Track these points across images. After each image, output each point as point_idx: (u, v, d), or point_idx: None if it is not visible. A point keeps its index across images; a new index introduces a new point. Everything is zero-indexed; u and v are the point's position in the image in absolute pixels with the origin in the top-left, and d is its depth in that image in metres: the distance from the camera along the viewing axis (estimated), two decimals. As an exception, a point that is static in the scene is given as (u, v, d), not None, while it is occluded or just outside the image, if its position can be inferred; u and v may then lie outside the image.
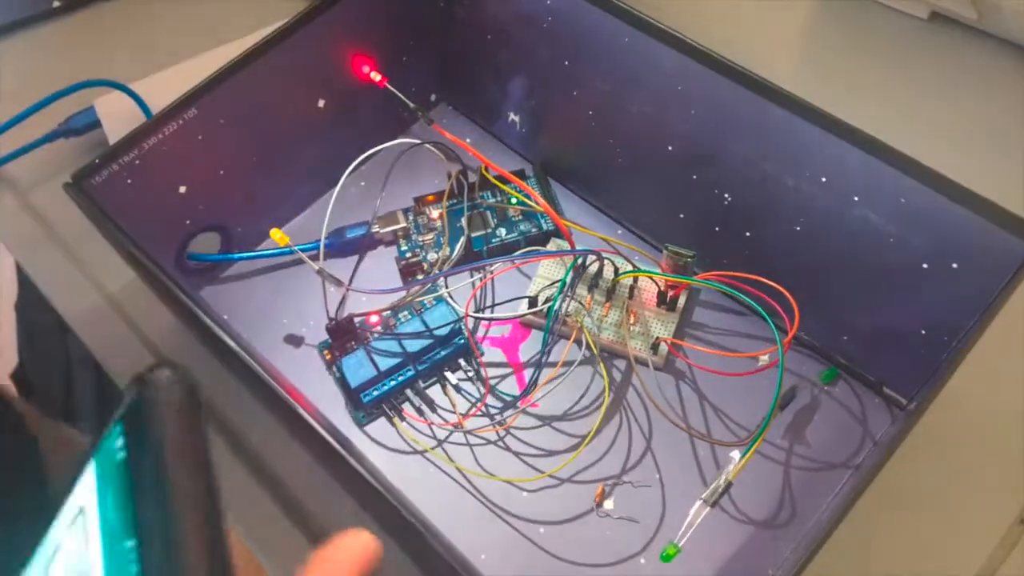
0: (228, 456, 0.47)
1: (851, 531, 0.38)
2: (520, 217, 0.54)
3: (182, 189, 0.48)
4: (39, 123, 0.58)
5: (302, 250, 0.47)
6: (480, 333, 0.50)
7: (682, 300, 0.49)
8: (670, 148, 0.46)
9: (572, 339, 0.46)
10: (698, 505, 0.39)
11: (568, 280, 0.46)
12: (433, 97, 0.59)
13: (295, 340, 0.50)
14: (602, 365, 0.47)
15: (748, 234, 0.46)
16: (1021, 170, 0.52)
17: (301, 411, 0.36)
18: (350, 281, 0.50)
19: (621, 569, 0.42)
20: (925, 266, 0.40)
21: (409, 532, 0.34)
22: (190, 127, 0.45)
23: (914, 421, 0.35)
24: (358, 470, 0.34)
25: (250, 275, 0.53)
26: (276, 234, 0.45)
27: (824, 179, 0.41)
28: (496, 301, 0.52)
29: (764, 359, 0.47)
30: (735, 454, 0.40)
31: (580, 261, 0.46)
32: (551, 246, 0.52)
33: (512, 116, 0.55)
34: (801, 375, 0.47)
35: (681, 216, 0.49)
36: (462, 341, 0.49)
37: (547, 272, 0.51)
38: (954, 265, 0.39)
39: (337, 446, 0.35)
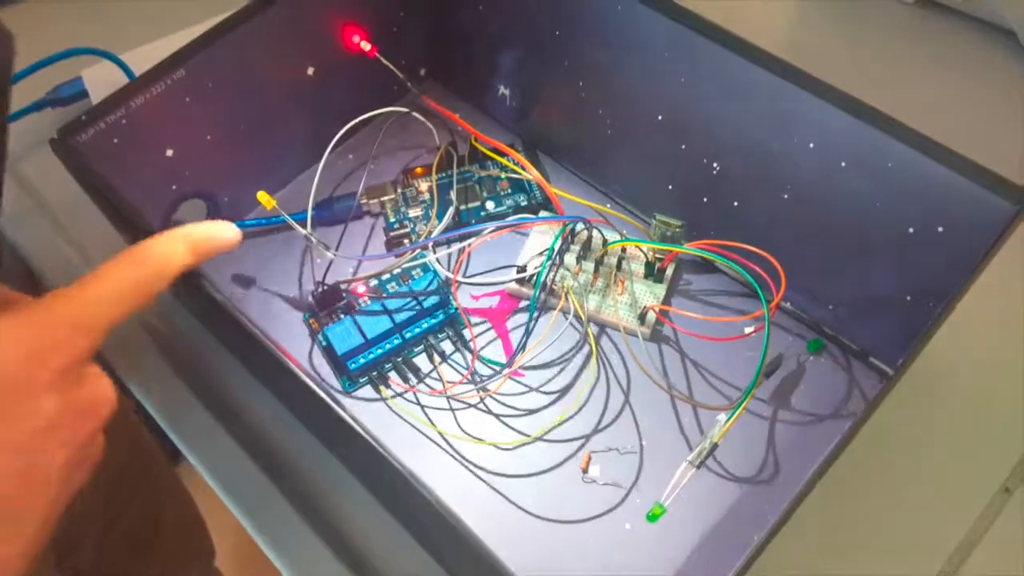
0: (216, 429, 0.47)
1: (833, 495, 0.39)
2: (509, 190, 0.54)
3: (169, 152, 0.47)
4: (24, 92, 0.57)
5: (290, 218, 0.47)
6: (469, 305, 0.50)
7: (670, 271, 0.49)
8: (660, 118, 0.47)
9: (559, 307, 0.46)
10: (684, 466, 0.39)
11: (556, 247, 0.46)
12: (423, 72, 0.59)
13: (280, 309, 0.50)
14: (590, 333, 0.47)
15: (736, 203, 0.46)
16: (1007, 144, 0.53)
17: (291, 366, 0.35)
18: (336, 249, 0.50)
19: (607, 531, 0.42)
20: (911, 231, 0.40)
21: (398, 486, 0.34)
22: (177, 88, 0.45)
23: (896, 379, 0.35)
24: (346, 421, 0.34)
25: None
26: (263, 197, 0.45)
27: (811, 145, 0.42)
28: (485, 270, 0.51)
29: (749, 327, 0.48)
30: (721, 417, 0.40)
31: (569, 228, 0.46)
32: (540, 218, 0.52)
33: (502, 89, 0.55)
34: (787, 345, 0.48)
35: (670, 187, 0.49)
36: (450, 310, 0.49)
37: (536, 242, 0.51)
38: (940, 229, 0.39)
39: (324, 397, 0.34)
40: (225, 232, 0.34)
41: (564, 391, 0.47)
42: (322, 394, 0.36)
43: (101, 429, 0.27)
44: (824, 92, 0.40)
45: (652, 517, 0.37)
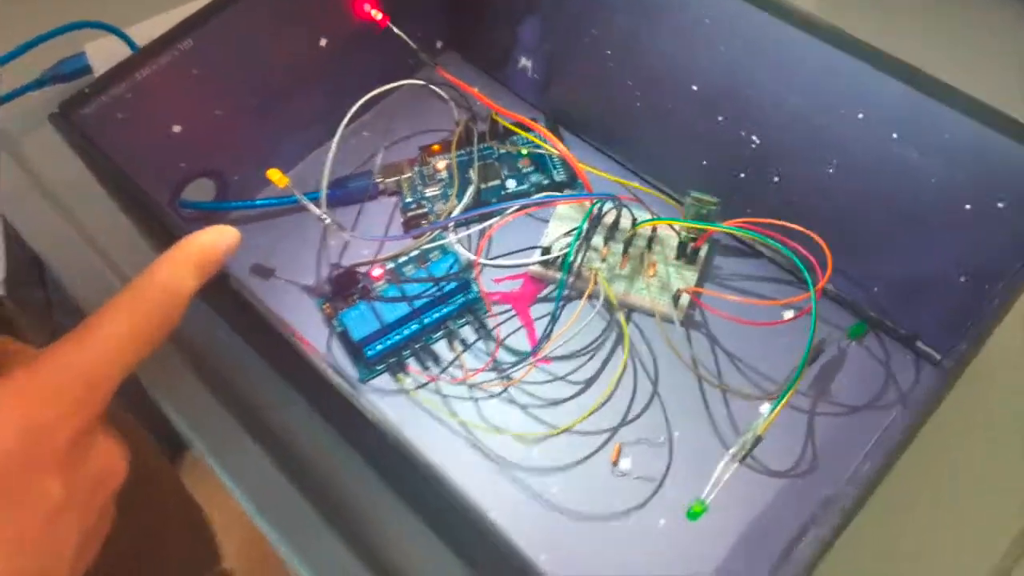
0: (228, 420, 0.44)
1: (883, 495, 0.36)
2: (531, 168, 0.51)
3: (176, 128, 0.45)
4: (25, 67, 0.55)
5: (303, 198, 0.44)
6: (490, 288, 0.48)
7: (703, 252, 0.47)
8: (694, 88, 0.44)
9: (588, 291, 0.44)
10: (726, 460, 0.36)
11: (585, 227, 0.43)
12: (439, 44, 0.57)
13: (293, 294, 0.48)
14: (622, 318, 0.45)
15: (776, 179, 0.44)
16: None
17: (304, 352, 0.33)
18: (351, 230, 0.47)
19: (641, 528, 0.40)
20: (968, 207, 0.38)
21: (420, 482, 0.32)
22: (185, 60, 0.43)
23: (959, 372, 0.33)
24: (365, 414, 0.32)
25: (246, 225, 0.50)
26: (275, 175, 0.42)
27: (861, 115, 0.39)
28: (507, 252, 0.49)
29: (789, 313, 0.45)
30: (764, 408, 0.38)
31: (598, 207, 0.43)
32: (565, 197, 0.49)
33: (523, 61, 0.52)
34: (826, 331, 0.45)
35: (704, 163, 0.46)
36: (471, 294, 0.46)
37: (561, 223, 0.48)
38: (1000, 205, 0.37)
39: (344, 385, 0.32)
40: (226, 239, 0.31)
41: (592, 380, 0.44)
42: (339, 381, 0.33)
43: (112, 499, 0.25)
44: (875, 58, 0.37)
45: (693, 515, 0.35)
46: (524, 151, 0.51)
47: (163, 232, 0.38)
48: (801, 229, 0.40)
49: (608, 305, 0.45)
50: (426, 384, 0.44)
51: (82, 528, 0.24)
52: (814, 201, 0.43)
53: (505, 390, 0.43)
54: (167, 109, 0.44)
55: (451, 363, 0.44)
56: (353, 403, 0.33)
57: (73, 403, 0.23)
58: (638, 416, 0.43)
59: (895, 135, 0.38)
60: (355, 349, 0.45)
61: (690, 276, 0.46)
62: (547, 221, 0.49)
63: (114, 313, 0.26)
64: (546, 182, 0.51)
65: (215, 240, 0.30)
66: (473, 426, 0.43)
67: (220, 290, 0.37)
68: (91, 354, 0.24)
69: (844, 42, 0.38)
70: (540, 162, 0.51)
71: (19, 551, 0.21)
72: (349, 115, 0.46)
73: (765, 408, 0.38)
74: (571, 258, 0.42)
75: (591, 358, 0.45)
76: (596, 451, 0.42)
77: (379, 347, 0.44)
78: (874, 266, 0.43)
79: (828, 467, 0.41)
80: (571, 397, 0.44)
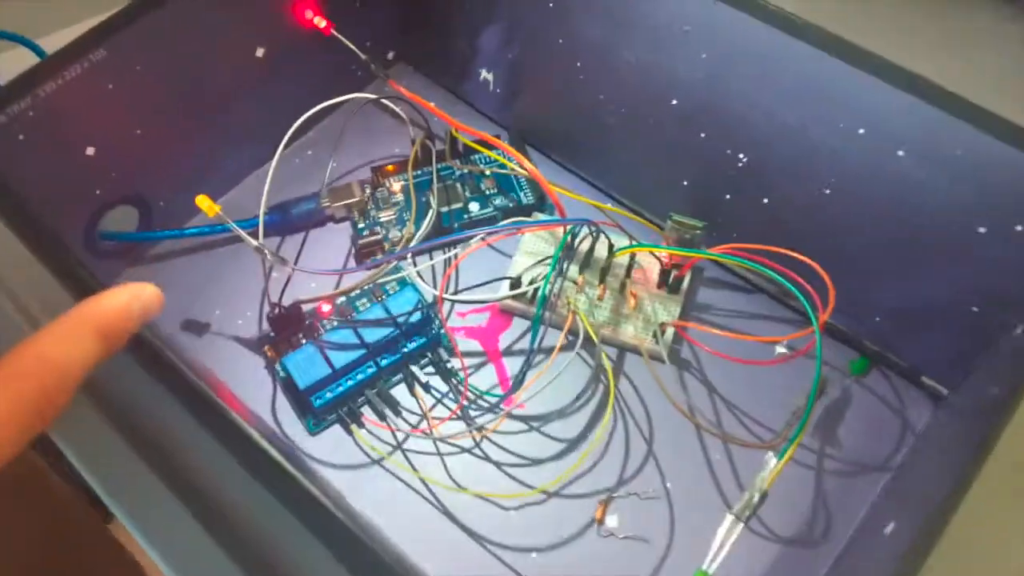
0: (146, 473, 0.39)
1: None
2: (495, 190, 0.47)
3: (90, 151, 0.39)
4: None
5: (238, 227, 0.39)
6: (452, 323, 0.43)
7: (686, 281, 0.43)
8: (674, 102, 0.40)
9: (566, 327, 0.39)
10: (728, 521, 0.32)
11: (560, 256, 0.39)
12: (391, 55, 0.52)
13: (230, 334, 0.42)
14: (604, 357, 0.40)
15: (766, 200, 0.40)
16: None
17: (231, 413, 0.28)
18: (295, 262, 0.42)
19: (632, 600, 0.35)
20: (982, 230, 0.34)
21: (373, 564, 0.27)
22: (98, 72, 0.37)
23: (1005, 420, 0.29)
24: (307, 488, 0.27)
25: (175, 257, 0.45)
26: (204, 202, 0.36)
27: (862, 130, 0.35)
28: (471, 284, 0.44)
29: (782, 348, 0.41)
30: (768, 458, 0.33)
31: (576, 231, 0.39)
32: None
33: (484, 74, 0.48)
34: (828, 365, 0.41)
35: (684, 183, 0.42)
36: (433, 331, 0.41)
37: (530, 249, 0.44)
38: (1018, 227, 0.33)
39: (276, 455, 0.27)
40: (144, 299, 0.26)
41: (567, 426, 0.39)
42: (268, 447, 0.28)
43: None
44: (877, 67, 0.34)
45: (694, 587, 0.31)
46: (487, 171, 0.47)
47: (71, 272, 0.32)
48: (800, 256, 0.36)
49: (587, 342, 0.40)
50: (385, 437, 0.39)
51: None
52: (808, 224, 0.39)
53: (477, 445, 0.38)
54: (78, 128, 0.38)
55: (419, 413, 0.39)
56: (289, 472, 0.28)
57: None
58: (622, 466, 0.39)
59: (901, 152, 0.35)
60: (301, 398, 0.39)
61: (674, 308, 0.42)
62: (513, 248, 0.44)
63: None
64: (511, 205, 0.46)
65: (125, 303, 0.25)
66: (440, 485, 0.38)
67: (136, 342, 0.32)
68: None
69: (842, 50, 0.34)
70: (505, 183, 0.47)
71: None
72: (290, 132, 0.40)
73: (768, 458, 0.34)
74: (546, 291, 0.38)
75: (572, 402, 0.40)
76: (577, 509, 0.37)
77: (328, 395, 0.39)
78: (875, 295, 0.39)
79: (835, 520, 0.37)
80: (546, 449, 0.39)
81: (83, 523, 0.51)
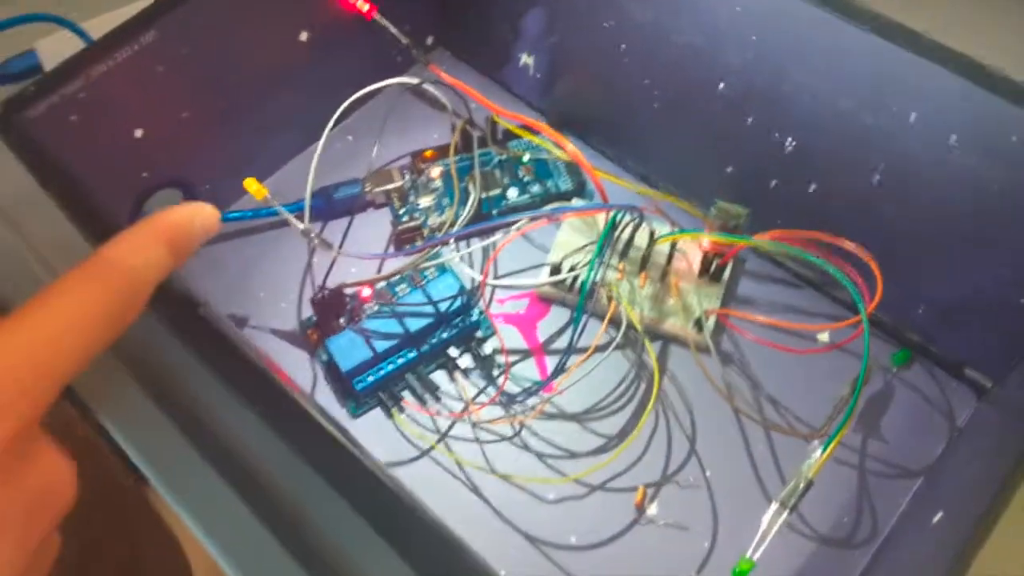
0: (195, 459, 0.39)
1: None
2: (533, 177, 0.47)
3: (138, 133, 0.40)
4: (-33, 65, 0.49)
5: (284, 210, 0.39)
6: (491, 310, 0.43)
7: (728, 270, 0.42)
8: (721, 86, 0.39)
9: (609, 315, 0.39)
10: (773, 509, 0.32)
11: (604, 241, 0.38)
12: (430, 40, 0.52)
13: (272, 319, 0.43)
14: (648, 347, 0.40)
15: (813, 187, 0.39)
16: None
17: (288, 390, 0.28)
18: (339, 246, 0.42)
19: (673, 586, 0.35)
20: (1038, 219, 0.34)
21: (420, 537, 0.27)
22: (148, 54, 0.37)
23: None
24: (361, 461, 0.27)
25: (219, 241, 0.45)
26: (252, 185, 0.37)
27: (913, 116, 0.35)
28: (509, 270, 0.44)
29: (824, 336, 0.41)
30: (813, 447, 0.33)
31: (620, 218, 0.38)
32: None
33: (524, 59, 0.48)
34: (870, 357, 0.41)
35: (728, 169, 0.42)
36: (473, 317, 0.41)
37: (568, 237, 0.44)
38: (1075, 218, 0.33)
39: (333, 430, 0.27)
40: (204, 216, 0.26)
41: (605, 415, 0.39)
42: (323, 422, 0.28)
43: (56, 528, 0.20)
44: (931, 51, 0.33)
45: (739, 574, 0.31)
46: (526, 157, 0.47)
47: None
48: (848, 244, 0.36)
49: (629, 331, 0.40)
50: (424, 421, 0.39)
51: (19, 559, 0.19)
52: (855, 212, 0.39)
53: (517, 433, 0.38)
54: (127, 111, 0.39)
55: (446, 396, 0.39)
56: (345, 446, 0.28)
57: (9, 399, 0.19)
58: (664, 455, 0.38)
59: (953, 138, 0.34)
60: (343, 381, 0.40)
61: (715, 297, 0.42)
62: (548, 237, 0.44)
63: (62, 295, 0.21)
64: (552, 191, 0.46)
65: (189, 218, 0.25)
66: (479, 469, 0.38)
67: (188, 317, 0.32)
68: (32, 342, 0.20)
69: (895, 33, 0.34)
70: (543, 170, 0.47)
71: None
72: (336, 116, 0.41)
73: (814, 447, 0.33)
74: (590, 279, 0.38)
75: (612, 391, 0.40)
76: (616, 497, 0.37)
77: (370, 379, 0.39)
78: (920, 286, 0.39)
79: (877, 511, 0.37)
80: (584, 438, 0.39)
81: (125, 489, 0.52)
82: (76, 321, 0.21)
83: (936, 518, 0.31)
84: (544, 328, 0.42)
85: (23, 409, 0.19)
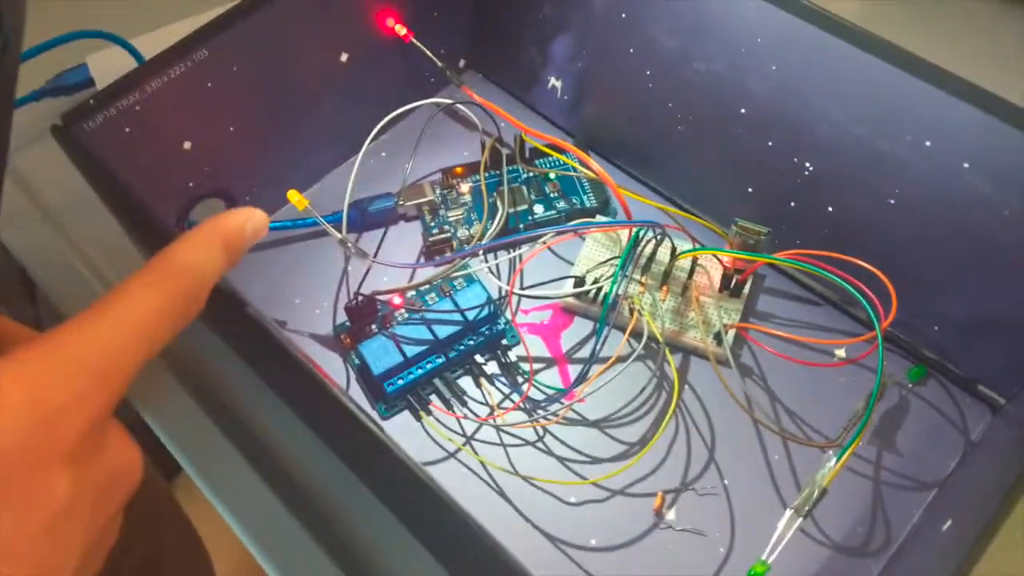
0: (232, 452, 0.41)
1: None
2: (558, 194, 0.48)
3: (187, 145, 0.42)
4: (22, 78, 0.51)
5: (324, 220, 0.41)
6: (516, 320, 0.45)
7: (747, 286, 0.44)
8: (743, 111, 0.41)
9: (631, 327, 0.41)
10: (788, 515, 0.33)
11: (628, 256, 0.40)
12: (462, 63, 0.54)
13: (308, 322, 0.45)
14: (669, 357, 0.42)
15: (830, 209, 0.41)
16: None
17: (330, 387, 0.30)
18: (374, 256, 0.44)
19: (689, 589, 0.36)
20: (1047, 243, 0.35)
21: (451, 530, 0.28)
22: (199, 71, 0.40)
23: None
24: (395, 452, 0.28)
25: (258, 249, 0.47)
26: (294, 196, 0.39)
27: (928, 143, 0.36)
28: (534, 281, 0.46)
29: (841, 351, 0.42)
30: (827, 457, 0.35)
31: (643, 234, 0.40)
32: (598, 224, 0.47)
33: (553, 81, 0.50)
34: (885, 372, 0.42)
35: (750, 190, 0.44)
36: (499, 326, 0.43)
37: (592, 251, 0.45)
38: (1084, 242, 0.34)
39: (368, 422, 0.29)
40: (255, 221, 0.28)
41: (626, 423, 0.41)
42: (362, 418, 0.30)
43: (123, 507, 0.22)
44: (945, 81, 0.35)
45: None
46: (552, 175, 0.49)
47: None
48: (863, 264, 0.37)
49: (650, 342, 0.42)
50: (451, 424, 0.41)
51: (88, 537, 0.20)
52: (871, 234, 0.40)
53: (541, 438, 0.40)
54: (178, 124, 0.41)
55: (472, 401, 0.41)
56: (382, 441, 0.30)
57: (86, 389, 0.20)
58: (683, 463, 0.40)
59: (966, 164, 0.35)
60: (375, 383, 0.41)
61: (735, 311, 0.43)
62: (573, 252, 0.46)
63: (133, 293, 0.22)
64: (576, 208, 0.48)
65: (243, 221, 0.27)
66: (504, 471, 0.39)
67: (234, 318, 0.34)
68: (107, 336, 0.21)
69: (911, 64, 0.35)
70: (568, 187, 0.48)
71: (15, 557, 0.18)
72: (374, 132, 0.43)
73: (828, 457, 0.35)
74: (613, 291, 0.39)
75: (633, 400, 0.41)
76: (636, 502, 0.39)
77: (400, 382, 0.41)
78: (936, 306, 0.40)
79: (890, 523, 0.38)
80: (606, 444, 0.40)
81: (155, 484, 0.53)
82: (148, 316, 0.22)
83: (946, 525, 0.32)
84: (567, 338, 0.44)
85: (103, 397, 0.20)
